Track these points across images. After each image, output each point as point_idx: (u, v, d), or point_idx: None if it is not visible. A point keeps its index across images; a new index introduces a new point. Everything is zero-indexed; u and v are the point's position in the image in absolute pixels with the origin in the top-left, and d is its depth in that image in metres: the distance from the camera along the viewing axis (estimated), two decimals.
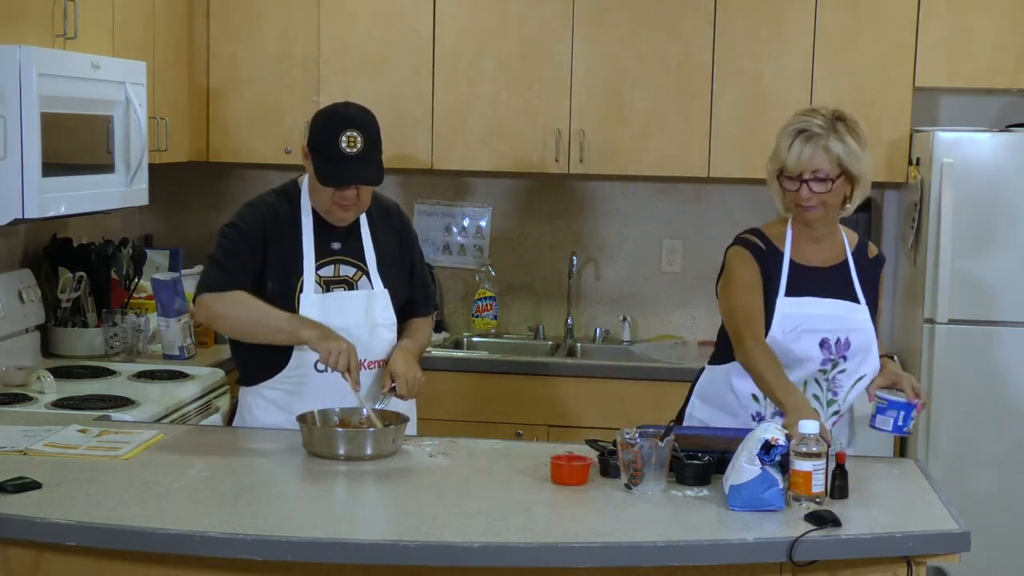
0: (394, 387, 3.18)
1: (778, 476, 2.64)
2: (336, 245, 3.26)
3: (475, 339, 5.12)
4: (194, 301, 3.25)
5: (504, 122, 4.81)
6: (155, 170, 4.32)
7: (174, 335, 4.30)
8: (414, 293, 3.41)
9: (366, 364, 3.22)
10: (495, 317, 5.18)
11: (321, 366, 3.11)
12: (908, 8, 4.62)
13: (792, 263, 3.14)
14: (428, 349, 3.53)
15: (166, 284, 4.32)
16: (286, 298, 3.18)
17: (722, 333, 3.24)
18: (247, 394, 3.31)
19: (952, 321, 4.43)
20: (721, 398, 3.23)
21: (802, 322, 3.09)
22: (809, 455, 2.65)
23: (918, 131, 4.65)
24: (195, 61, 4.89)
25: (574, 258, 5.12)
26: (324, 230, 3.24)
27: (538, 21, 4.77)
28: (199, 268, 4.07)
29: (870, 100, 4.60)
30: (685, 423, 3.26)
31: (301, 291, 3.19)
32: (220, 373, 4.12)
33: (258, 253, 3.20)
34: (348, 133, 3.11)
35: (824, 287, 3.14)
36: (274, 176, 4.78)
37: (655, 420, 3.03)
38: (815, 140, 3.03)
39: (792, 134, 3.06)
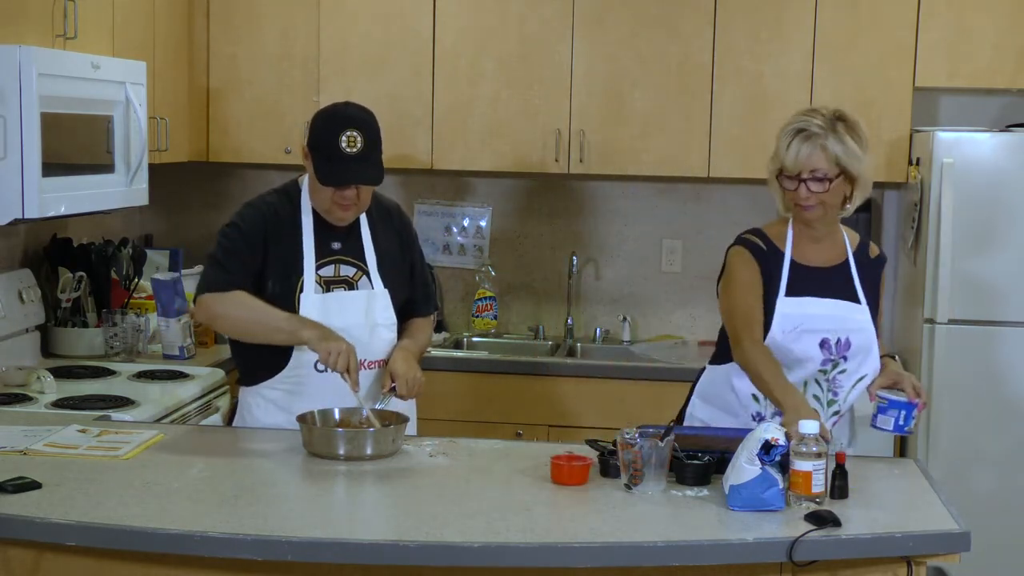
0: (394, 387, 3.18)
1: (778, 476, 2.64)
2: (336, 245, 3.26)
3: (475, 339, 5.12)
4: (194, 301, 3.25)
5: (504, 122, 4.81)
6: (155, 170, 4.32)
7: (174, 335, 4.30)
8: (414, 293, 3.41)
9: (366, 364, 3.22)
10: (495, 317, 5.18)
11: (321, 366, 3.11)
12: (908, 8, 4.62)
13: (793, 263, 3.14)
14: (428, 349, 3.53)
15: (166, 284, 4.32)
16: (286, 298, 3.18)
17: (723, 333, 3.24)
18: (247, 394, 3.31)
19: (952, 321, 4.43)
20: (722, 398, 3.23)
21: (802, 322, 3.09)
22: (809, 455, 2.65)
23: (918, 131, 4.65)
24: (195, 61, 4.89)
25: (574, 258, 5.12)
26: (324, 230, 3.24)
27: (538, 21, 4.77)
28: (199, 268, 4.07)
29: (870, 100, 4.60)
30: (686, 423, 3.27)
31: (301, 291, 3.19)
32: (220, 373, 4.12)
33: (258, 253, 3.20)
34: (348, 133, 3.12)
35: (825, 287, 3.14)
36: (274, 176, 4.78)
37: (655, 420, 3.03)
38: (813, 140, 3.04)
39: (791, 133, 3.07)
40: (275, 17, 4.88)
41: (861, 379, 3.15)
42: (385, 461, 2.96)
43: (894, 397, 3.06)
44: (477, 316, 5.17)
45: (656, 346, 4.99)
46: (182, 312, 4.31)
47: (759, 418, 3.14)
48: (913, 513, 2.73)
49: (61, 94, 3.62)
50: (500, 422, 4.52)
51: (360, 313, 3.24)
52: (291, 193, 3.28)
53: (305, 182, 3.27)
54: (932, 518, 2.65)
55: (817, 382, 3.14)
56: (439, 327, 5.05)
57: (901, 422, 3.04)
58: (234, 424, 3.42)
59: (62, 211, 3.69)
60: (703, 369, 3.34)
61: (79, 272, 4.34)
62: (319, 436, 3.01)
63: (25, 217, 3.53)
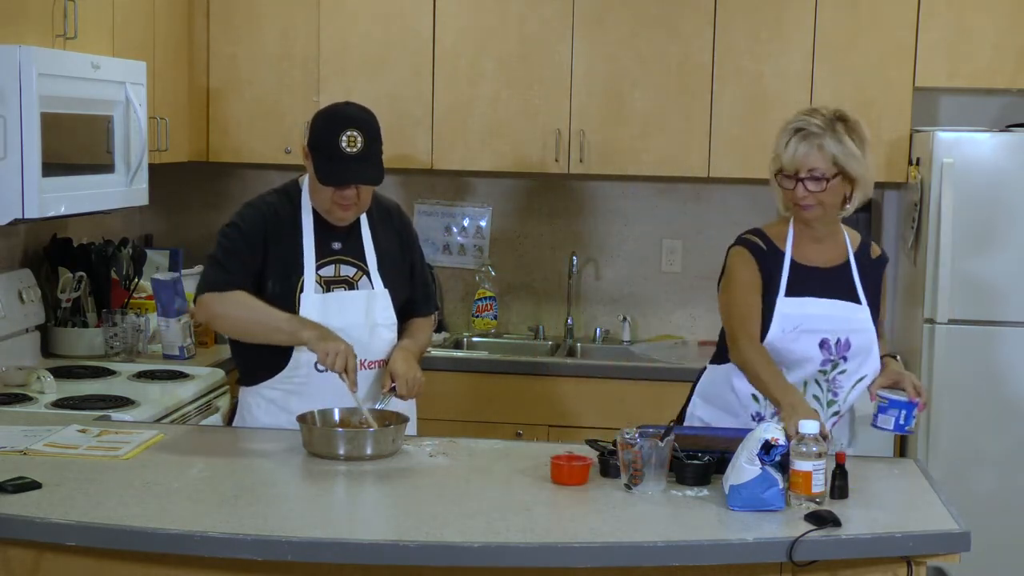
0: (394, 387, 3.18)
1: (778, 476, 2.64)
2: (337, 245, 3.26)
3: (475, 339, 5.12)
4: (194, 301, 3.25)
5: (504, 122, 4.81)
6: (155, 170, 4.32)
7: (174, 335, 4.30)
8: (414, 293, 3.41)
9: (366, 364, 3.22)
10: (495, 317, 5.18)
11: (321, 367, 3.11)
12: (908, 8, 4.62)
13: (793, 263, 3.14)
14: (428, 349, 3.53)
15: (166, 284, 4.32)
16: (287, 298, 3.18)
17: (723, 333, 3.24)
18: (247, 394, 3.31)
19: (952, 321, 4.43)
20: (722, 398, 3.23)
21: (801, 322, 3.10)
22: (809, 455, 2.65)
23: (918, 131, 4.65)
24: (195, 61, 4.89)
25: (574, 258, 5.12)
26: (324, 230, 3.24)
27: (538, 21, 4.77)
28: (199, 268, 4.07)
29: (870, 100, 4.60)
30: (686, 422, 3.27)
31: (302, 291, 3.19)
32: (220, 373, 4.12)
33: (258, 253, 3.20)
34: (348, 133, 3.12)
35: (825, 287, 3.14)
36: (274, 176, 4.78)
37: (655, 420, 3.03)
38: (811, 139, 3.04)
39: (790, 132, 3.08)
40: (275, 17, 4.88)
41: (861, 379, 3.14)
42: (385, 461, 2.96)
43: (894, 397, 3.06)
44: (477, 316, 5.17)
45: (656, 346, 4.99)
46: (182, 312, 4.31)
47: (758, 418, 3.14)
48: (913, 513, 2.73)
49: (61, 94, 3.62)
50: (500, 422, 4.52)
51: (360, 313, 3.24)
52: (291, 193, 3.28)
53: (305, 182, 3.27)
54: (932, 518, 2.65)
55: (817, 382, 3.14)
56: (439, 327, 5.05)
57: (901, 421, 3.04)
58: (234, 424, 3.42)
59: (62, 211, 3.69)
60: (704, 369, 3.35)
61: (79, 272, 4.34)
62: (319, 436, 3.01)
63: (25, 217, 3.53)
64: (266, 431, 3.22)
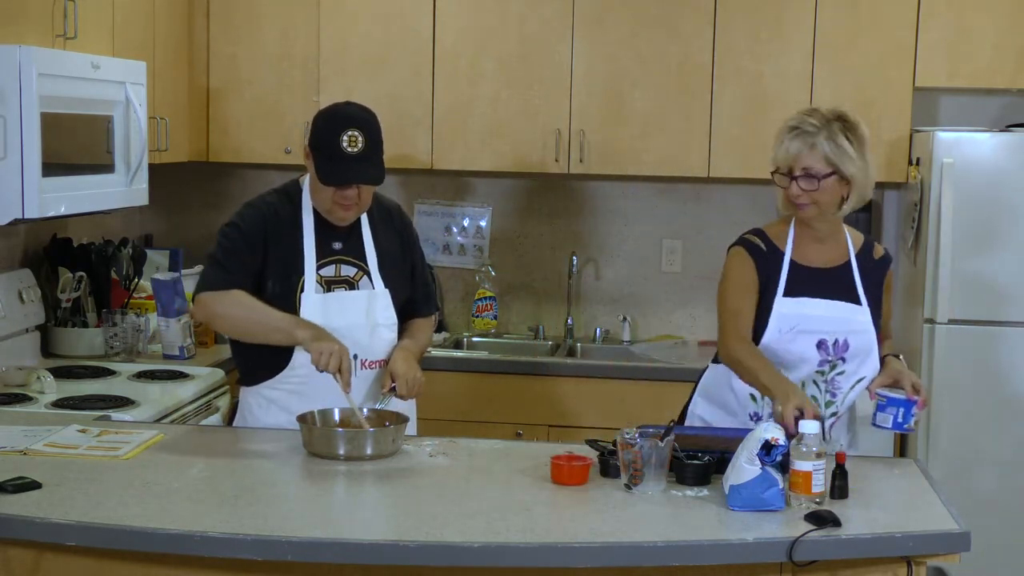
0: (394, 387, 3.18)
1: (778, 476, 2.64)
2: (337, 245, 3.26)
3: (475, 339, 5.12)
4: (193, 299, 3.25)
5: (504, 122, 4.81)
6: (155, 170, 4.32)
7: (174, 335, 4.30)
8: (415, 293, 3.41)
9: (367, 364, 3.22)
10: (495, 317, 5.18)
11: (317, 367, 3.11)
12: (908, 8, 4.62)
13: (792, 263, 3.15)
14: (428, 349, 3.53)
15: (166, 284, 4.32)
16: (287, 298, 3.18)
17: None
18: (248, 394, 3.31)
19: (952, 321, 4.43)
20: (721, 397, 3.23)
21: (799, 322, 3.10)
22: (809, 455, 2.65)
23: (918, 131, 4.65)
24: (195, 61, 4.89)
25: (574, 258, 5.12)
26: (325, 230, 3.24)
27: (538, 21, 4.77)
28: (199, 268, 4.07)
29: (870, 100, 4.60)
30: (687, 420, 3.27)
31: (302, 291, 3.19)
32: (220, 373, 4.12)
33: (258, 253, 3.20)
34: (349, 133, 3.12)
35: (824, 288, 3.14)
36: (274, 176, 4.78)
37: (655, 420, 3.03)
38: (804, 137, 3.06)
39: (786, 130, 3.10)
40: (275, 17, 4.88)
41: (860, 381, 3.15)
42: (385, 461, 2.96)
43: (892, 395, 3.06)
44: (477, 316, 5.17)
45: (656, 346, 4.99)
46: (182, 312, 4.31)
47: (756, 418, 3.14)
48: (913, 513, 2.73)
49: (61, 94, 3.62)
50: (500, 422, 4.52)
51: (361, 313, 3.24)
52: (292, 193, 3.28)
53: (306, 182, 3.27)
54: (932, 518, 2.65)
55: (815, 383, 3.14)
56: (440, 327, 5.05)
57: (900, 419, 3.04)
58: (234, 424, 3.42)
59: (62, 211, 3.69)
60: (706, 367, 3.35)
61: (79, 272, 4.34)
62: (319, 436, 3.01)
63: (25, 217, 3.53)
64: (266, 431, 3.22)
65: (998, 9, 4.59)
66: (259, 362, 3.25)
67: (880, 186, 4.88)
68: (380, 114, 3.24)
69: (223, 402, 4.05)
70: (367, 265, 3.28)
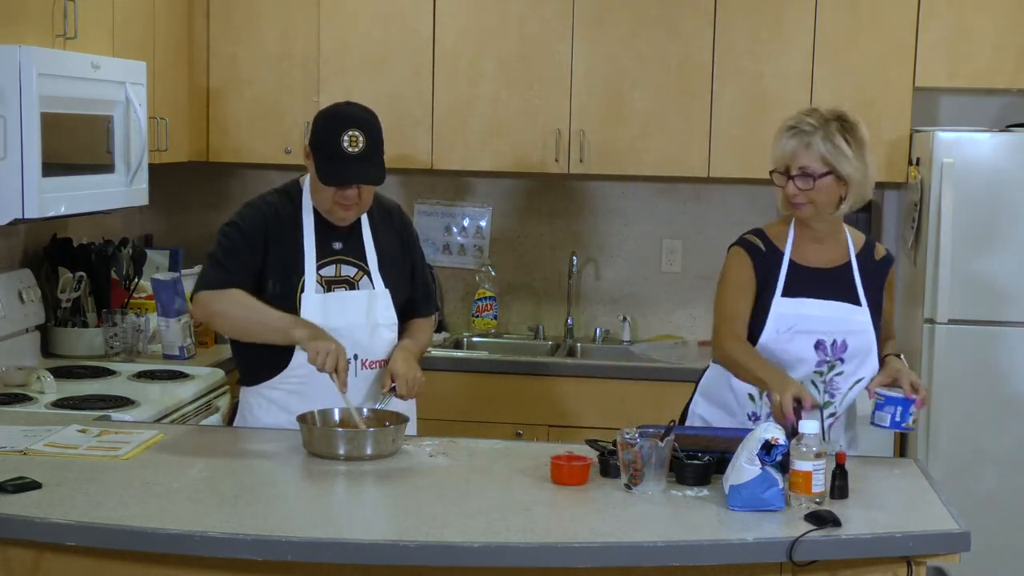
0: (394, 387, 3.18)
1: (778, 476, 2.64)
2: (337, 245, 3.26)
3: (475, 339, 5.12)
4: (192, 298, 3.25)
5: (504, 122, 4.81)
6: (155, 170, 4.32)
7: (174, 335, 4.30)
8: (415, 293, 3.41)
9: (367, 364, 3.22)
10: (495, 317, 5.18)
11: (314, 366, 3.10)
12: (908, 8, 4.62)
13: (792, 263, 3.15)
14: (429, 349, 3.53)
15: (166, 284, 4.32)
16: (287, 298, 3.18)
17: None
18: (248, 394, 3.31)
19: (952, 321, 4.43)
20: (721, 396, 3.23)
21: (797, 323, 3.10)
22: (809, 455, 2.65)
23: (918, 131, 4.65)
24: (195, 61, 4.89)
25: (574, 258, 5.12)
26: (325, 230, 3.24)
27: (538, 21, 4.77)
28: (199, 268, 4.06)
29: (870, 100, 4.60)
30: (688, 419, 3.28)
31: (302, 291, 3.19)
32: (220, 373, 4.12)
33: (258, 253, 3.20)
34: (350, 133, 3.12)
35: (823, 288, 3.14)
36: (274, 176, 4.79)
37: (655, 420, 3.03)
38: (801, 136, 3.06)
39: (784, 130, 3.10)
40: (275, 17, 4.88)
41: (859, 381, 3.15)
42: (385, 461, 2.96)
43: (891, 393, 3.06)
44: (477, 316, 5.17)
45: (656, 346, 4.99)
46: (182, 312, 4.31)
47: (754, 418, 3.14)
48: (913, 513, 2.73)
49: (61, 94, 3.62)
50: (500, 422, 4.52)
51: (361, 313, 3.24)
52: (292, 193, 3.28)
53: (306, 182, 3.27)
54: (932, 518, 2.65)
55: (813, 384, 3.14)
56: (440, 327, 5.05)
57: (898, 418, 3.03)
58: (235, 424, 3.42)
59: (62, 211, 3.69)
60: (707, 367, 3.35)
61: (79, 272, 4.34)
62: (319, 436, 3.01)
63: (25, 217, 3.53)
64: (266, 431, 3.22)
65: (998, 9, 4.59)
66: (259, 362, 3.25)
67: (880, 186, 4.88)
68: (380, 114, 3.24)
69: (223, 402, 4.05)
70: (367, 265, 3.28)
